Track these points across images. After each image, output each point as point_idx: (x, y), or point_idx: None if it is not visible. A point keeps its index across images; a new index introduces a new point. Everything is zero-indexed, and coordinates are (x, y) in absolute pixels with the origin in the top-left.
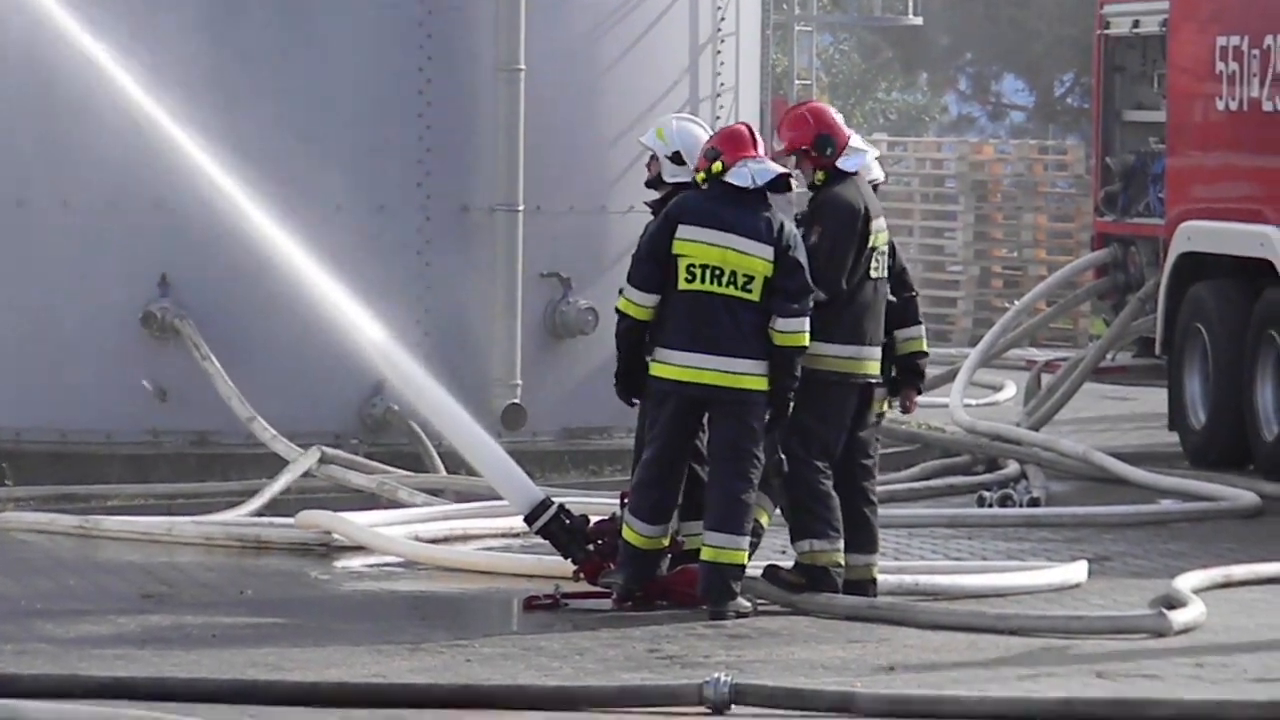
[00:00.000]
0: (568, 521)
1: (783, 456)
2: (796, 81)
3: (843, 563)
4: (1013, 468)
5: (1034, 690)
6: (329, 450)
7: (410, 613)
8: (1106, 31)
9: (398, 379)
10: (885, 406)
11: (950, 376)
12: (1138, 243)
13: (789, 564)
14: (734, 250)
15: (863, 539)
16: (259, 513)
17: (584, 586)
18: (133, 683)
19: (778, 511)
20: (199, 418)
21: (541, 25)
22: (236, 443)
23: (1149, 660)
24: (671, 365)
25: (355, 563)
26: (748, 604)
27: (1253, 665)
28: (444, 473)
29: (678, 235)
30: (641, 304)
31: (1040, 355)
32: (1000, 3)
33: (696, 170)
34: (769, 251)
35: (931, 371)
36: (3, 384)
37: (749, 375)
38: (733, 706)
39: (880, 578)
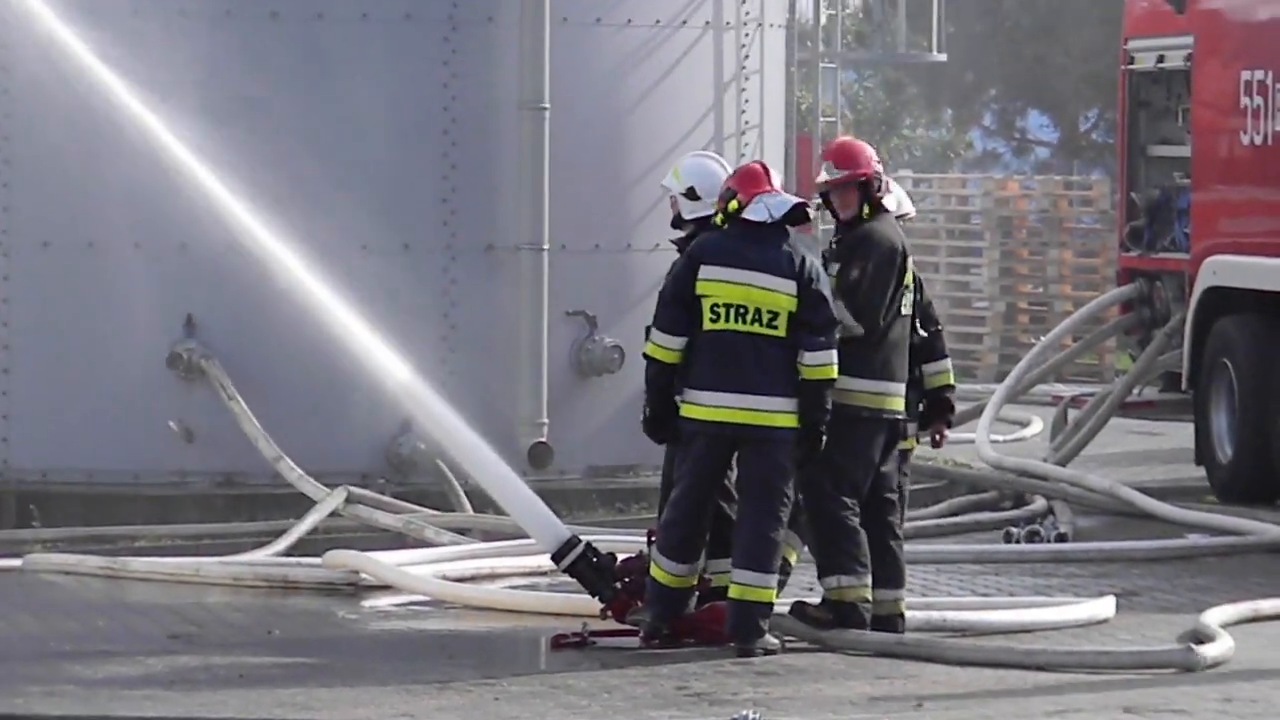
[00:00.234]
0: (595, 560)
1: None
2: (821, 119)
3: (870, 598)
4: (1040, 503)
5: None
6: (355, 490)
7: (438, 652)
8: (1131, 67)
9: (424, 418)
10: (915, 442)
11: (976, 412)
12: (1163, 278)
13: (816, 600)
14: (756, 287)
15: (890, 574)
16: (286, 553)
17: (612, 624)
18: None
19: (805, 549)
20: (226, 458)
21: (566, 63)
22: (263, 483)
23: (1177, 695)
24: (701, 406)
25: (383, 602)
26: (775, 641)
27: None
28: (471, 512)
29: (700, 276)
30: (669, 347)
31: (1066, 391)
32: (1024, 39)
33: (715, 213)
34: (791, 286)
35: (958, 407)
36: (30, 425)
37: (778, 413)
38: None
39: (908, 613)
